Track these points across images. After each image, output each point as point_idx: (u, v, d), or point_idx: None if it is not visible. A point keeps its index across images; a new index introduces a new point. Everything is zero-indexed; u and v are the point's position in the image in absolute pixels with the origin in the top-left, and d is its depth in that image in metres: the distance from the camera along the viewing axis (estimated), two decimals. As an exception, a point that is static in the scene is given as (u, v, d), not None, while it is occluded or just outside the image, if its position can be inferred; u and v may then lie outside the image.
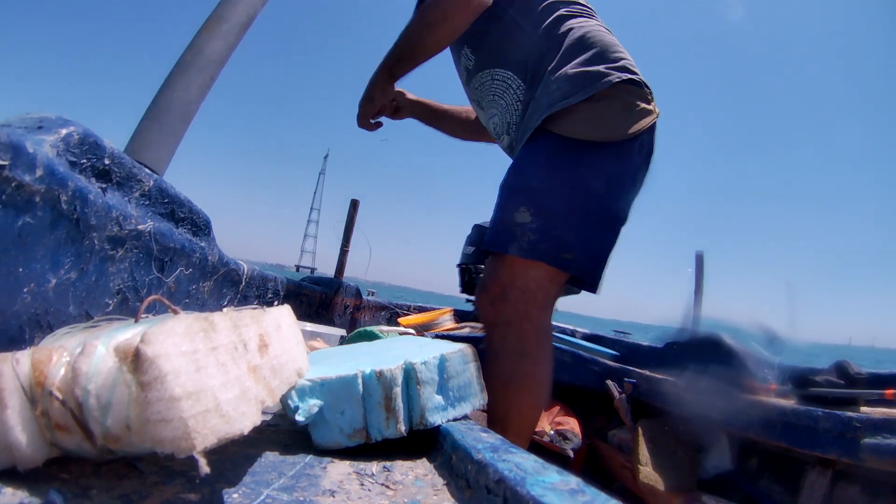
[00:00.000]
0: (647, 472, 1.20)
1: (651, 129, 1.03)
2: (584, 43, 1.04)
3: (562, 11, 1.09)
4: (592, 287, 1.08)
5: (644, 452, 1.23)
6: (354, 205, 2.22)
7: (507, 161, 1.32)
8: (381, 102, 1.18)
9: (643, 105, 1.02)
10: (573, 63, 1.02)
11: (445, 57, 1.24)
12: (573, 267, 0.99)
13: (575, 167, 0.99)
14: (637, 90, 1.03)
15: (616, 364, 1.54)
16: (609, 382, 1.39)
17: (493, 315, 0.99)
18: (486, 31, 1.11)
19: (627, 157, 1.02)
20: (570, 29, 1.07)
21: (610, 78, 0.99)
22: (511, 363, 0.97)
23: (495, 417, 0.98)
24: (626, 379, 1.38)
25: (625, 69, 1.02)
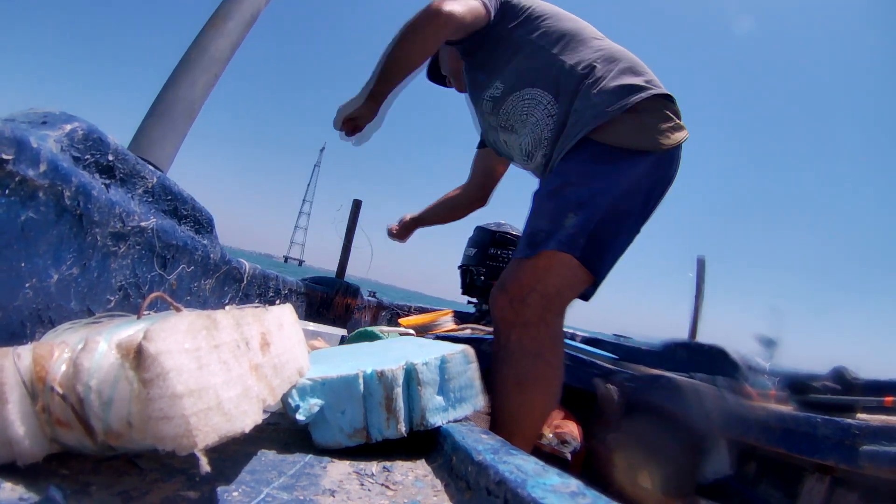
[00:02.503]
0: (646, 477, 1.20)
1: (680, 146, 1.07)
2: (617, 60, 1.09)
3: (583, 36, 1.14)
4: (591, 290, 1.09)
5: (642, 456, 1.22)
6: (357, 205, 2.22)
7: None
8: (366, 121, 1.23)
9: (677, 120, 1.07)
10: (611, 77, 1.06)
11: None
12: (595, 267, 1.01)
13: (616, 173, 1.01)
14: (672, 105, 1.08)
15: (616, 367, 1.53)
16: (609, 386, 1.38)
17: (512, 316, 1.00)
18: (510, 59, 1.16)
19: (661, 170, 1.05)
20: (600, 48, 1.12)
21: (651, 91, 1.04)
22: (526, 364, 0.98)
23: (504, 418, 0.98)
24: (625, 381, 1.37)
25: (658, 84, 1.07)
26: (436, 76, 1.49)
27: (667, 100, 1.06)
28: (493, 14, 1.14)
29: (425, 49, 1.13)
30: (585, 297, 1.10)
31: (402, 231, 1.73)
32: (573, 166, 1.05)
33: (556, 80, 1.10)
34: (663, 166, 1.05)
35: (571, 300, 1.04)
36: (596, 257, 1.00)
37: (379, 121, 1.30)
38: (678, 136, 1.05)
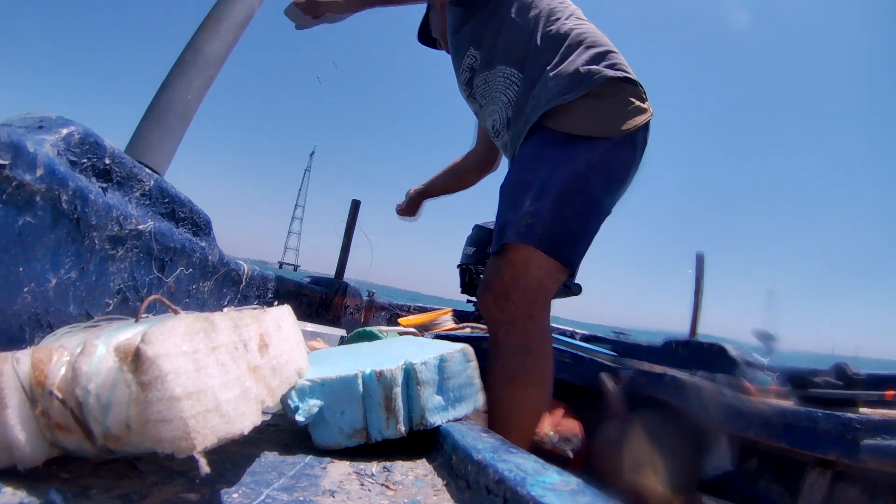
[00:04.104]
0: (648, 473, 1.20)
1: (645, 128, 1.07)
2: (580, 42, 1.08)
3: (558, 14, 1.14)
4: (570, 278, 1.09)
5: (644, 453, 1.23)
6: (356, 206, 2.22)
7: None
8: (337, 12, 1.16)
9: (637, 103, 1.06)
10: (569, 61, 1.05)
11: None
12: (564, 258, 1.01)
13: (570, 161, 1.01)
14: (631, 88, 1.06)
15: (615, 364, 1.54)
16: (610, 382, 1.39)
17: (498, 314, 1.00)
18: (489, 30, 1.16)
19: (620, 153, 1.05)
20: (570, 29, 1.11)
21: (605, 74, 1.03)
22: (516, 360, 0.98)
23: (498, 415, 0.98)
24: (628, 378, 1.38)
25: (618, 67, 1.06)
26: (426, 38, 1.48)
27: (625, 83, 1.05)
28: None
29: None
30: (571, 290, 1.10)
31: (410, 207, 1.66)
32: (528, 153, 1.06)
33: (524, 60, 1.11)
34: (623, 149, 1.04)
35: (553, 291, 1.04)
36: (563, 246, 0.99)
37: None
38: (638, 120, 1.04)
